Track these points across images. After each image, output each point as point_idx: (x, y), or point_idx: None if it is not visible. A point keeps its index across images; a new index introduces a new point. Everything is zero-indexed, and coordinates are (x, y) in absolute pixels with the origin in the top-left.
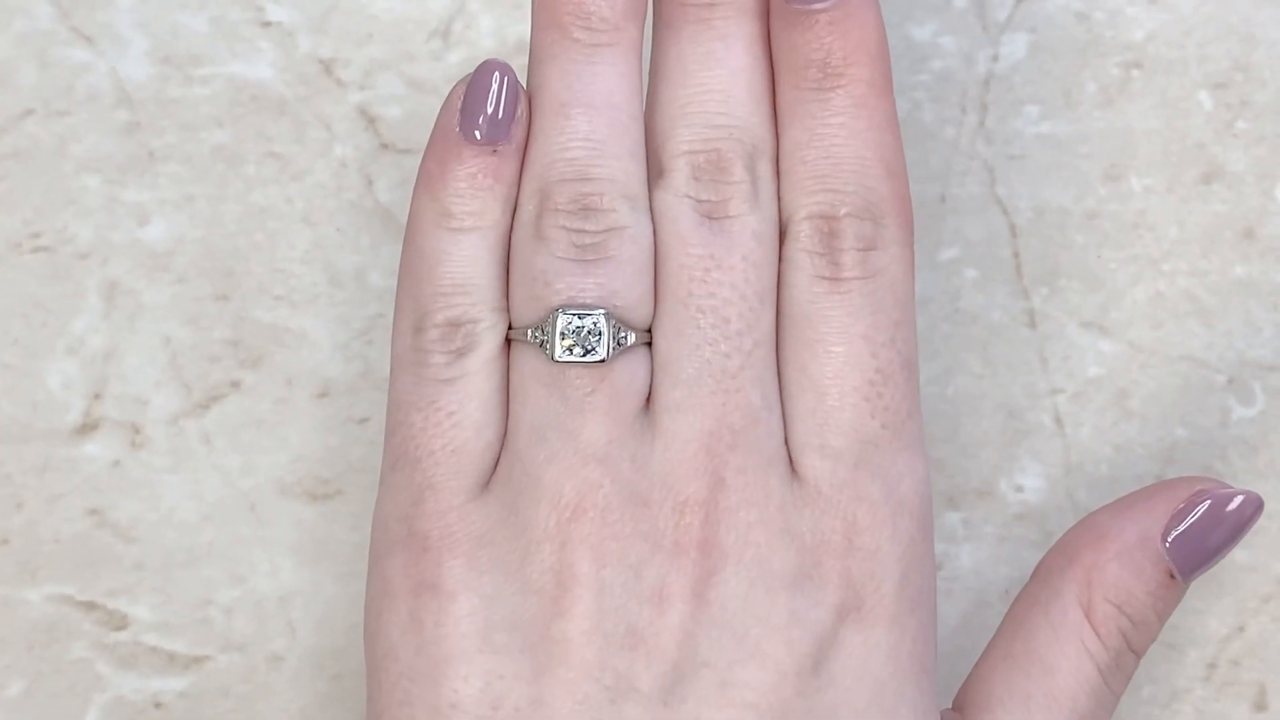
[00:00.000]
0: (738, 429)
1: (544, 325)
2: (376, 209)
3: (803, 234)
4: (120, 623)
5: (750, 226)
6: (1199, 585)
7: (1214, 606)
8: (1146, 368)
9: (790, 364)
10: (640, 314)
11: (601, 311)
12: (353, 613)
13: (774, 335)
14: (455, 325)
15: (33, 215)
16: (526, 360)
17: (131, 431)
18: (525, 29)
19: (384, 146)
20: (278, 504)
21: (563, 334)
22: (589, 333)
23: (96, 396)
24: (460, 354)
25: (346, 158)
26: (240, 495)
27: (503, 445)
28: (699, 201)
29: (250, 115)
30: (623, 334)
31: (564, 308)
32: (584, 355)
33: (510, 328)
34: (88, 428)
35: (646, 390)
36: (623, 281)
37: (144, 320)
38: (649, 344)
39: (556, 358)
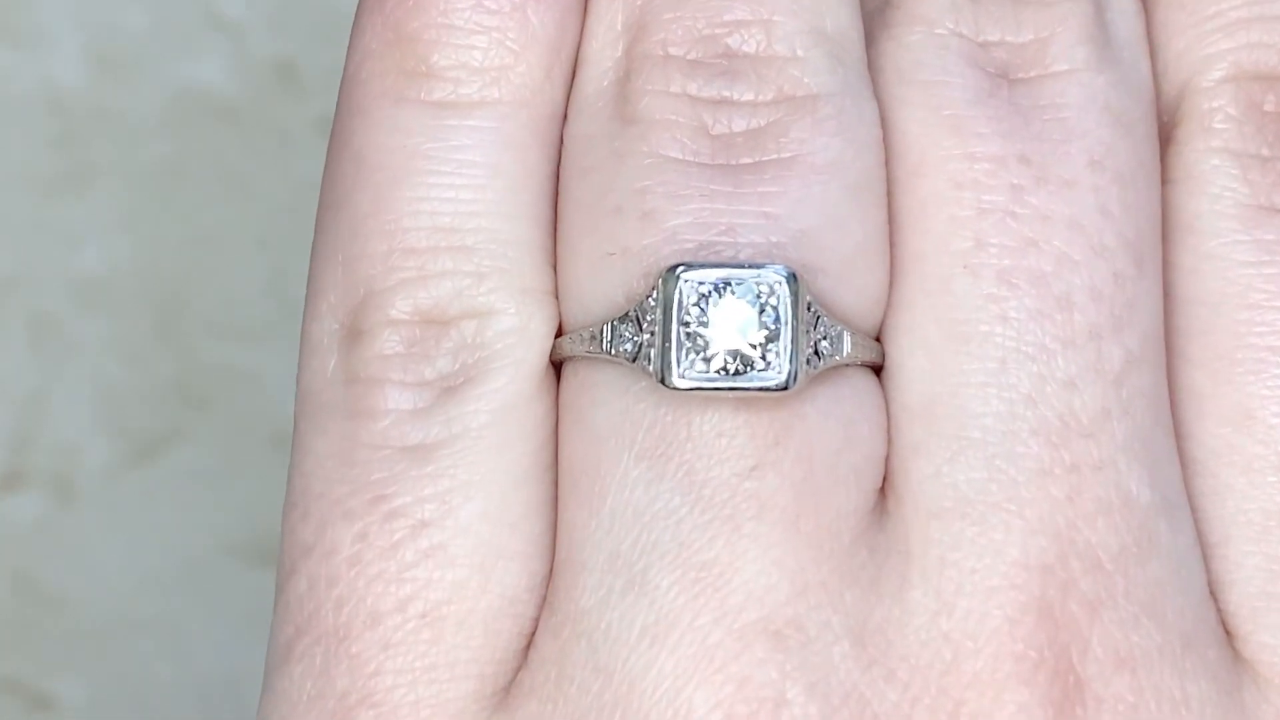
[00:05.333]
0: (1102, 562)
1: (641, 312)
2: None
3: (1214, 116)
4: (46, 703)
5: (1100, 97)
6: None
7: None
8: None
9: (1206, 413)
10: (862, 294)
11: (779, 273)
12: None
13: (1163, 338)
14: (438, 322)
15: None
16: (600, 396)
17: (61, 485)
18: None
19: None
20: (226, 568)
21: (686, 326)
22: (749, 323)
23: (21, 445)
24: (448, 389)
25: (307, 174)
26: (184, 558)
27: (545, 599)
28: (978, 44)
29: (197, 125)
30: (828, 332)
31: (689, 265)
32: (739, 375)
33: (561, 329)
34: (11, 480)
35: (880, 467)
36: (822, 215)
37: (75, 358)
38: (879, 365)
39: (673, 383)
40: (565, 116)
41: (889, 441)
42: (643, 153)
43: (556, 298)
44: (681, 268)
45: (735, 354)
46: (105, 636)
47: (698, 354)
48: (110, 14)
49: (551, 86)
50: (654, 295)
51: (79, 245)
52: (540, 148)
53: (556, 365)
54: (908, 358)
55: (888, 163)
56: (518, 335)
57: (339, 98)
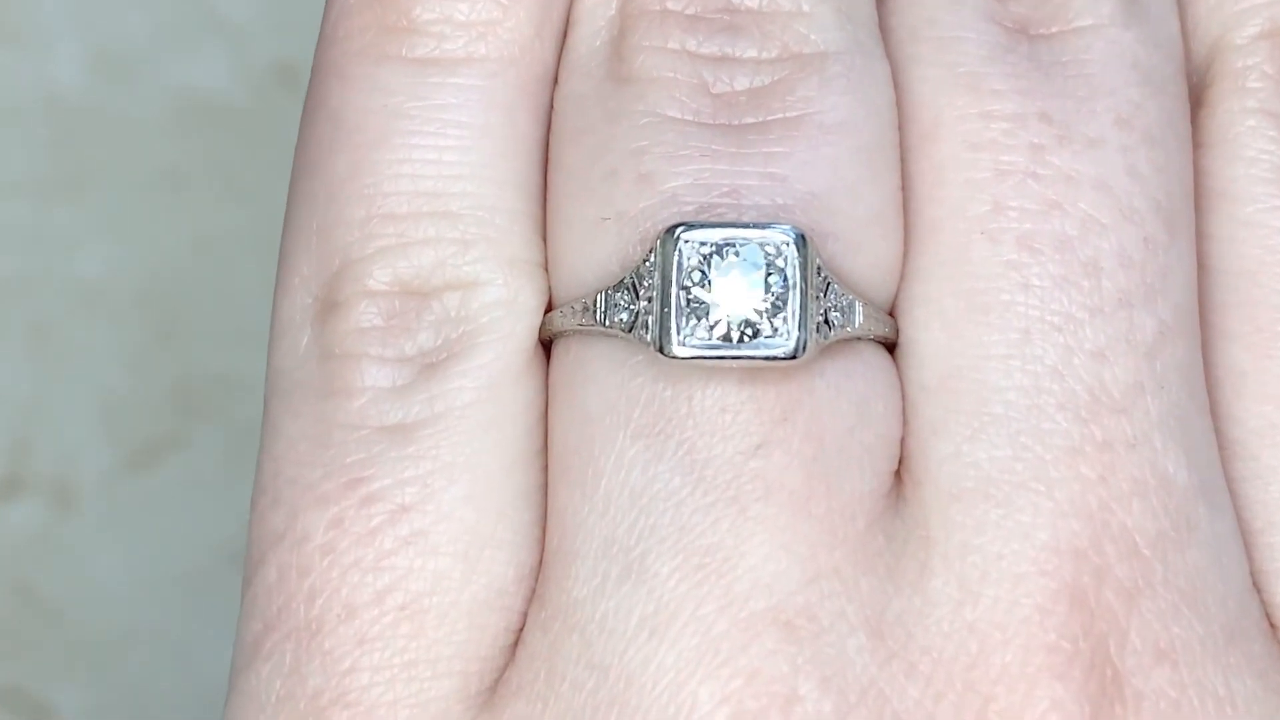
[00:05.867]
0: (1139, 547)
1: (638, 278)
2: None
3: (1248, 75)
4: (46, 712)
5: (1127, 53)
6: None
7: None
8: None
9: (1246, 391)
10: (875, 263)
11: (786, 234)
12: None
13: (1197, 311)
14: (419, 294)
15: None
16: (594, 371)
17: (60, 493)
18: None
19: None
20: (226, 577)
21: (686, 290)
22: (754, 287)
23: (20, 452)
24: (430, 365)
25: None
26: (184, 566)
27: (534, 591)
28: (998, 2)
29: (197, 128)
30: (838, 301)
31: (689, 225)
32: (743, 343)
33: (551, 304)
34: (10, 488)
35: (896, 448)
36: (832, 177)
37: (74, 365)
38: (892, 341)
39: (672, 351)
40: (556, 80)
41: (905, 422)
42: (639, 112)
43: (546, 271)
44: (681, 228)
45: (740, 321)
46: (105, 645)
47: (699, 320)
48: (110, 16)
49: (541, 45)
50: (651, 259)
51: (77, 250)
52: (529, 110)
53: (546, 344)
54: (923, 330)
55: (900, 127)
56: (505, 308)
57: (314, 59)
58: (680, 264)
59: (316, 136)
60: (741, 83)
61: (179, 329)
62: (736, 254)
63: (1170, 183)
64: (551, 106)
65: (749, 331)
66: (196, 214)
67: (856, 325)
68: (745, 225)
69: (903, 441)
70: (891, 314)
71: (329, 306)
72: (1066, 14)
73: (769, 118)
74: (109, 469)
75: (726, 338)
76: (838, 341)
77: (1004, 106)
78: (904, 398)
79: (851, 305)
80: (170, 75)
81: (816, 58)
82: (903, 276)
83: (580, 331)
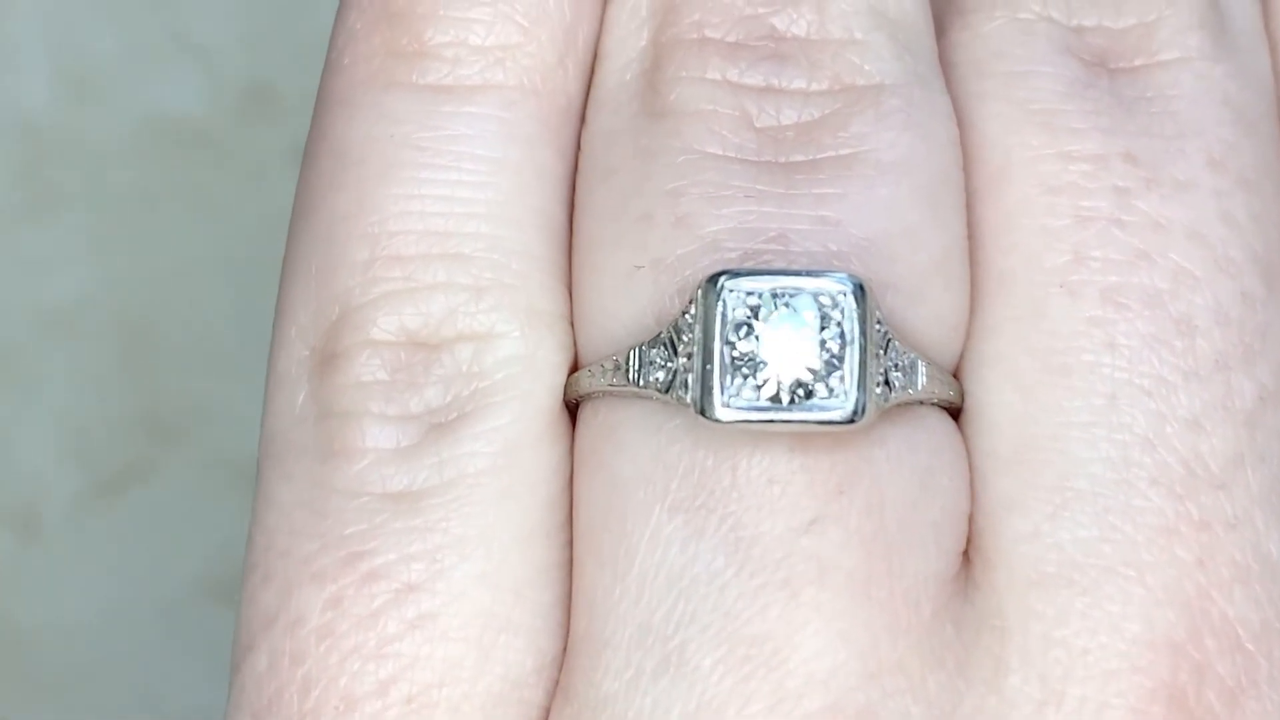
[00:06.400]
0: (1241, 641)
1: (676, 332)
2: None
3: None
4: None
5: (1218, 89)
6: None
7: None
8: None
9: None
10: (939, 317)
11: (843, 283)
12: None
13: None
14: (427, 345)
15: None
16: (626, 437)
17: (26, 520)
18: None
19: None
20: (197, 606)
21: (731, 346)
22: (807, 343)
23: None
24: (439, 425)
25: (281, 202)
26: (153, 596)
27: (557, 683)
28: (1070, 29)
29: (168, 151)
30: (899, 360)
31: (733, 273)
32: (795, 406)
33: (576, 362)
34: None
35: (964, 525)
36: (890, 221)
37: (41, 390)
38: (957, 407)
39: (714, 414)
40: (583, 118)
41: (972, 497)
42: (675, 149)
43: (570, 324)
44: (725, 276)
45: (791, 380)
46: (74, 675)
47: (745, 379)
48: (80, 37)
49: (565, 75)
50: (692, 310)
51: (45, 274)
52: (553, 145)
53: (572, 406)
54: (995, 394)
55: (965, 169)
56: (522, 364)
57: (319, 91)
58: (724, 316)
59: (317, 172)
60: (789, 116)
61: (147, 354)
62: (787, 305)
63: (1267, 231)
64: (578, 146)
65: (801, 392)
66: (167, 238)
67: (919, 387)
68: (797, 273)
69: (971, 518)
70: (956, 375)
71: (327, 359)
72: (1150, 45)
73: (819, 155)
74: (76, 496)
75: (776, 399)
76: (898, 405)
77: (1084, 146)
78: (972, 469)
79: (913, 364)
80: (140, 97)
81: (871, 90)
82: (970, 333)
83: (610, 393)
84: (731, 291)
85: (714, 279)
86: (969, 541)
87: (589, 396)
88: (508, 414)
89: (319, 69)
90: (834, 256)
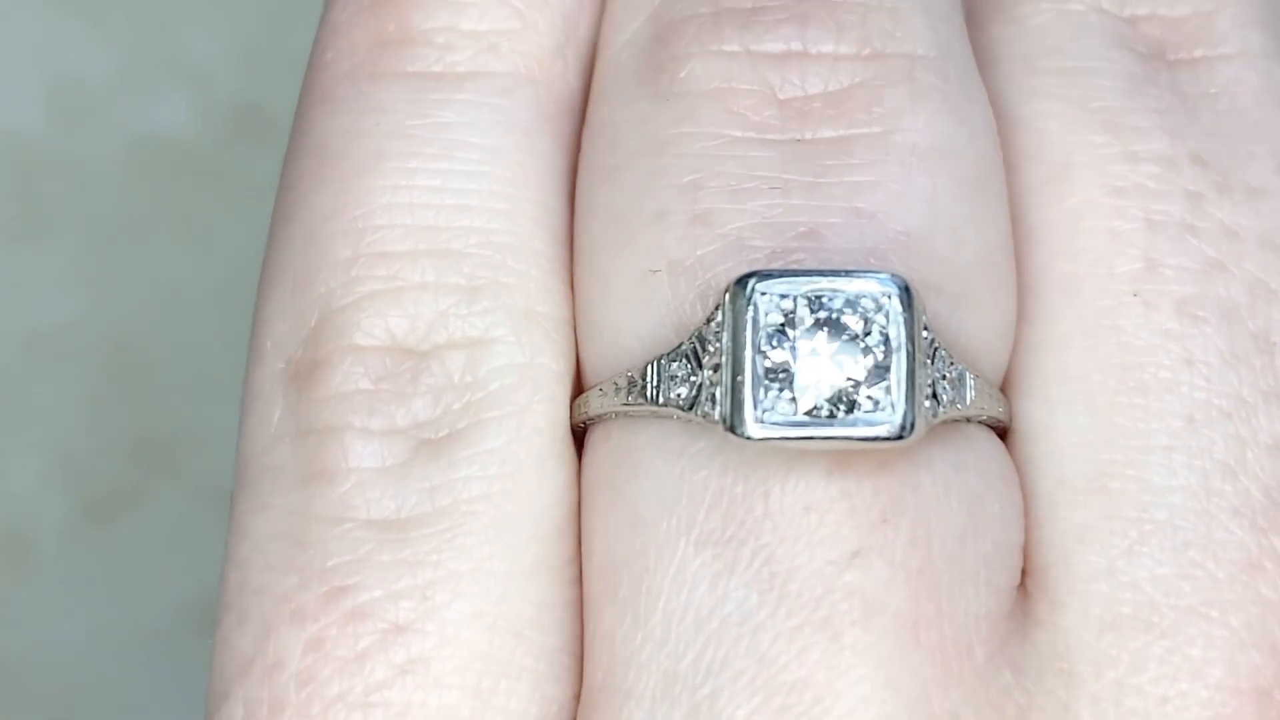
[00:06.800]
0: None
1: (700, 342)
2: None
3: None
4: None
5: None
6: None
7: None
8: None
9: None
10: (986, 323)
11: (886, 285)
12: None
13: None
14: (415, 352)
15: None
16: (645, 463)
17: (15, 547)
18: None
19: None
20: (186, 635)
21: (764, 355)
22: (848, 351)
23: None
24: (429, 443)
25: None
26: (143, 624)
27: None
28: (1123, 20)
29: (160, 174)
30: (946, 370)
31: (764, 275)
32: (835, 420)
33: (580, 379)
34: None
35: (1018, 558)
36: (931, 214)
37: (30, 417)
38: (1004, 426)
39: (745, 431)
40: (584, 114)
41: (1032, 527)
42: (689, 136)
43: (573, 329)
44: (755, 278)
45: (832, 392)
46: (62, 705)
47: (779, 392)
48: (72, 59)
49: (565, 66)
50: (718, 317)
51: (35, 297)
52: (552, 136)
53: (578, 431)
54: (1064, 415)
55: (1017, 168)
56: (519, 375)
57: (301, 93)
58: (755, 322)
59: (298, 173)
60: (815, 85)
61: (138, 380)
62: (825, 309)
63: None
64: (579, 143)
65: (843, 406)
66: (158, 261)
67: (968, 402)
68: (835, 273)
69: (1028, 551)
70: (1003, 390)
71: (305, 369)
72: (1209, 36)
73: (851, 131)
74: (65, 523)
75: (814, 413)
76: (945, 423)
77: (1151, 146)
78: (1030, 494)
79: (961, 377)
80: (132, 119)
81: (903, 61)
82: (1024, 346)
83: (625, 413)
84: (764, 295)
85: (742, 281)
86: (1028, 576)
87: (599, 419)
88: (505, 433)
89: None
90: (871, 254)
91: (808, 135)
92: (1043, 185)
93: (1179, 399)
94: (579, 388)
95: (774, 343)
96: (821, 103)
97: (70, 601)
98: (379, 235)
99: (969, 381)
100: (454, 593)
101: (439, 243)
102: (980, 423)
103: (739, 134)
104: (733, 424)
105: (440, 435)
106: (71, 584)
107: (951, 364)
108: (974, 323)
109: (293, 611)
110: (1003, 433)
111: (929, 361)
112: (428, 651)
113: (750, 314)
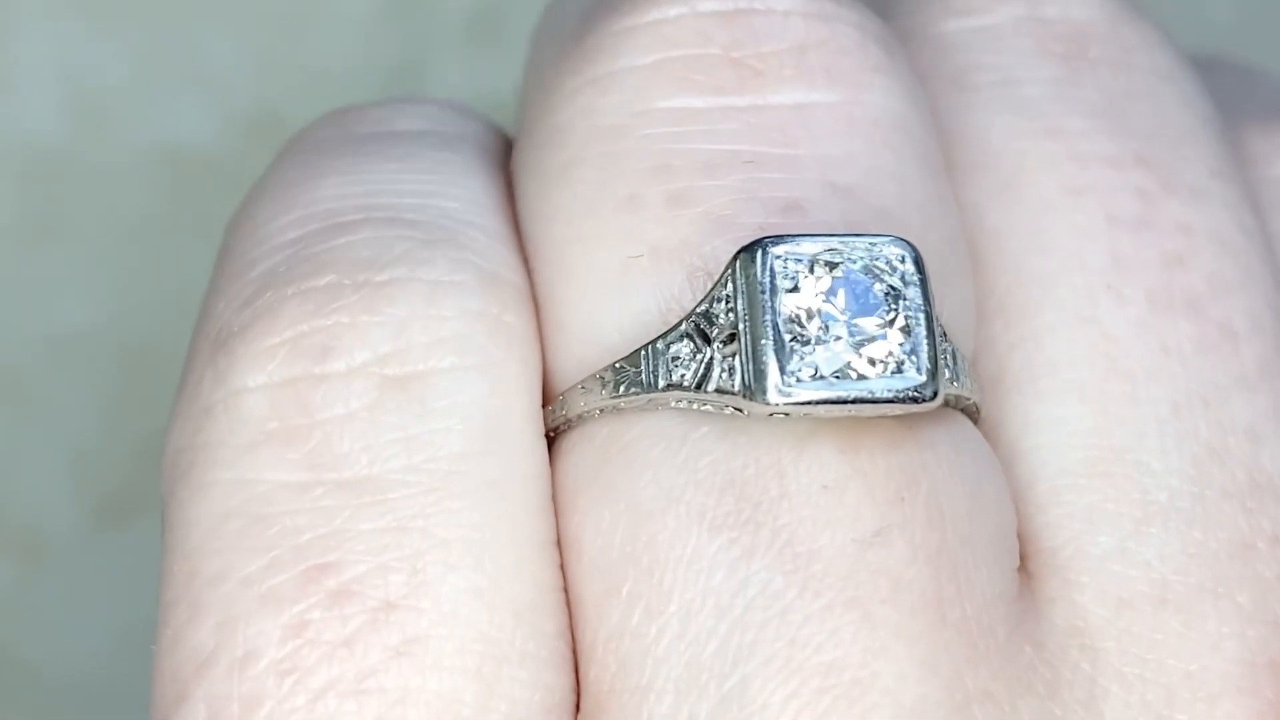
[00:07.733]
0: None
1: (707, 319)
2: None
3: None
4: None
5: (1194, 96)
6: None
7: None
8: None
9: None
10: (962, 307)
11: (900, 246)
12: None
13: None
14: (366, 286)
15: None
16: (642, 456)
17: (31, 548)
18: (498, 81)
19: None
20: None
21: (784, 320)
22: (872, 310)
23: None
24: (394, 380)
25: None
26: (154, 626)
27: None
28: (1038, 22)
29: (177, 178)
30: (945, 348)
31: (778, 238)
32: (862, 379)
33: (546, 388)
34: None
35: (1015, 540)
36: (899, 189)
37: (47, 419)
38: (975, 411)
39: (767, 397)
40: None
41: (1036, 512)
42: (644, 114)
43: (535, 304)
44: (769, 241)
45: (855, 354)
46: (78, 705)
47: (802, 358)
48: (88, 64)
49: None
50: (726, 290)
51: (51, 300)
52: (495, 153)
53: (550, 438)
54: (1058, 405)
55: (966, 177)
56: (491, 325)
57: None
58: (775, 287)
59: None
60: (768, 43)
61: (154, 382)
62: (843, 269)
63: (1277, 243)
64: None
65: (868, 366)
66: (174, 266)
67: (961, 381)
68: (846, 235)
69: (1028, 536)
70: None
71: (243, 324)
72: (1118, 37)
73: (811, 97)
74: (81, 524)
75: (841, 373)
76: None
77: (1096, 147)
78: (1028, 485)
79: (955, 356)
80: (150, 123)
81: (855, 29)
82: (1001, 343)
83: (614, 408)
84: (779, 259)
85: (751, 249)
86: (1031, 560)
87: (578, 421)
88: (484, 384)
89: (328, 97)
90: (855, 227)
91: (770, 99)
92: (998, 190)
93: (1162, 386)
94: (546, 397)
95: (794, 306)
96: (777, 61)
97: (86, 603)
98: (333, 214)
99: (961, 361)
100: (446, 565)
101: (394, 214)
102: (958, 408)
103: (699, 104)
104: (756, 391)
105: (405, 371)
106: (86, 584)
107: (945, 339)
108: (954, 303)
109: (263, 596)
110: (975, 417)
111: (942, 335)
112: (424, 630)
113: (767, 279)
